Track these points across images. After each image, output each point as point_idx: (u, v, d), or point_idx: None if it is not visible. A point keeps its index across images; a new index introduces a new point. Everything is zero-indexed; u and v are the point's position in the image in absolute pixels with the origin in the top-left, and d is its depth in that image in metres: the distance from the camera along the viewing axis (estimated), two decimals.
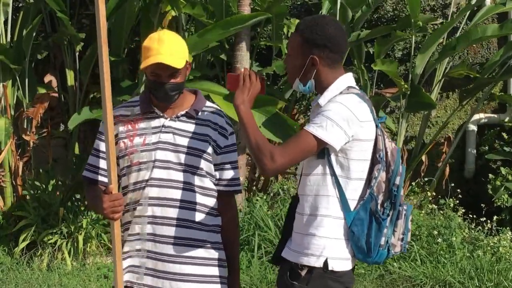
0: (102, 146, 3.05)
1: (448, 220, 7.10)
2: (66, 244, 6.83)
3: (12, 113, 7.49)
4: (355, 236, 2.84)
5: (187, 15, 7.64)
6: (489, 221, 7.30)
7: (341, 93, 2.88)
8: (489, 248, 6.71)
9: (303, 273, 2.85)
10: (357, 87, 2.96)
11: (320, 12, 7.94)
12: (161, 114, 3.04)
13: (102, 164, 3.07)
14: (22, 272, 6.50)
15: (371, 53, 7.94)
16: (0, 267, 6.63)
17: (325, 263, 2.82)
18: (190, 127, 3.04)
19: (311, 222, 2.88)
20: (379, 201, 2.87)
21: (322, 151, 2.83)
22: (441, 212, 7.45)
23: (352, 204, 2.85)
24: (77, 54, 7.69)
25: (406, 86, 7.41)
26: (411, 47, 8.00)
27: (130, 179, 3.04)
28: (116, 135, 3.04)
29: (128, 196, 3.03)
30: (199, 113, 3.07)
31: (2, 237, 7.02)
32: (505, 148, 8.07)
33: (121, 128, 3.07)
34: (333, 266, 2.83)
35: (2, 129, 7.23)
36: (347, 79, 2.94)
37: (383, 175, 2.88)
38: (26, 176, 7.51)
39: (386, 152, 2.90)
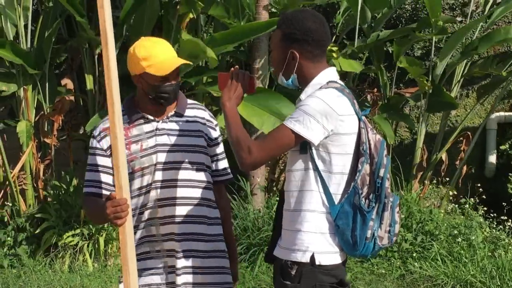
0: (102, 161, 3.09)
1: (469, 220, 7.07)
2: (88, 245, 6.88)
3: (33, 116, 7.55)
4: (340, 230, 2.83)
5: (206, 16, 7.67)
6: (510, 220, 7.26)
7: (321, 88, 2.88)
8: (510, 247, 6.69)
9: (293, 271, 2.84)
10: (339, 81, 2.96)
11: (338, 13, 7.92)
12: (152, 118, 3.11)
13: (104, 178, 3.10)
14: (44, 274, 6.55)
15: (390, 52, 7.92)
16: (22, 269, 6.70)
17: (312, 258, 2.82)
18: (182, 125, 3.13)
19: (296, 218, 2.88)
20: (364, 194, 2.84)
21: (305, 146, 2.84)
22: (461, 211, 7.42)
23: (337, 198, 2.85)
24: (96, 57, 7.75)
25: (429, 85, 7.39)
26: (430, 45, 7.97)
27: (134, 186, 3.07)
28: (110, 147, 3.03)
29: (133, 202, 3.04)
30: (186, 111, 3.17)
31: (24, 239, 7.07)
32: None
33: None
34: (320, 260, 2.82)
35: (24, 131, 7.30)
36: (328, 73, 2.94)
37: (367, 167, 2.86)
38: (48, 179, 7.57)
39: (370, 145, 2.89)
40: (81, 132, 8.16)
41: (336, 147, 2.84)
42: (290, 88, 3.07)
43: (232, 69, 2.97)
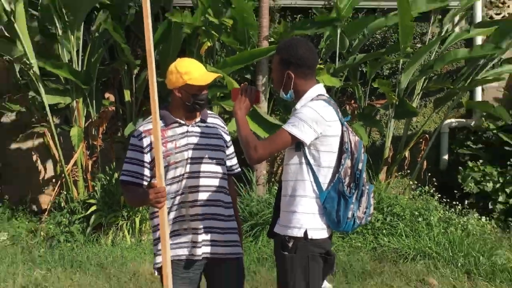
0: (140, 156, 3.09)
1: (427, 203, 7.10)
2: (126, 224, 6.91)
3: (83, 123, 7.60)
4: (327, 211, 2.86)
5: (220, 44, 7.74)
6: (459, 204, 7.29)
7: (312, 100, 2.91)
8: (460, 225, 6.71)
9: (290, 244, 2.88)
10: (325, 94, 2.99)
11: (321, 40, 7.95)
12: (184, 123, 3.14)
13: (140, 170, 3.09)
14: (92, 247, 6.59)
15: (364, 72, 7.96)
16: (75, 243, 6.74)
17: (305, 233, 2.86)
18: (206, 130, 3.18)
19: (292, 202, 2.91)
20: (346, 183, 2.88)
21: (299, 145, 2.87)
22: (421, 197, 7.45)
23: (324, 187, 2.88)
24: (133, 76, 7.80)
25: (396, 98, 7.43)
26: (396, 66, 8.00)
27: (168, 176, 3.08)
28: (150, 144, 3.07)
29: (167, 189, 3.02)
30: (208, 119, 3.21)
31: (76, 220, 7.12)
32: (472, 146, 8.05)
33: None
34: (312, 235, 2.86)
35: (75, 135, 7.34)
36: (317, 89, 2.98)
37: (348, 162, 2.90)
38: (95, 172, 7.62)
39: (351, 144, 2.92)
40: (119, 135, 8.21)
41: (324, 146, 2.88)
42: (287, 101, 3.11)
43: (242, 85, 3.01)
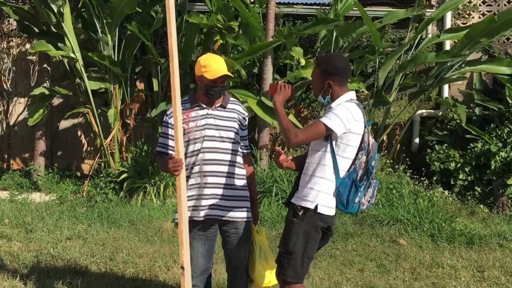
0: (170, 131, 3.08)
1: (400, 179, 7.05)
2: (153, 189, 6.91)
3: (119, 105, 7.55)
4: (339, 194, 2.83)
5: (231, 44, 7.65)
6: (426, 179, 7.24)
7: (346, 101, 2.88)
8: (426, 197, 6.67)
9: (301, 213, 2.85)
10: (356, 100, 2.96)
11: (317, 39, 7.84)
12: (205, 106, 3.08)
13: (170, 142, 3.09)
14: (124, 207, 6.59)
15: (352, 69, 7.86)
16: (110, 203, 6.75)
17: (316, 207, 2.82)
18: (224, 113, 3.10)
19: (311, 180, 2.87)
20: (359, 174, 2.85)
21: (327, 136, 2.83)
22: (395, 173, 7.40)
23: (342, 174, 2.84)
24: (159, 68, 7.73)
25: (367, 92, 7.40)
26: (376, 65, 7.91)
27: (188, 149, 3.05)
28: None
29: (187, 160, 3.03)
30: (228, 105, 3.13)
31: (112, 184, 7.11)
32: (438, 132, 7.98)
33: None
34: (321, 210, 2.83)
35: (112, 115, 7.32)
36: (350, 94, 2.94)
37: (363, 158, 2.87)
38: (128, 146, 7.59)
39: (368, 144, 2.89)
40: (148, 116, 8.18)
41: (349, 141, 2.84)
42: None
43: (280, 82, 2.96)
